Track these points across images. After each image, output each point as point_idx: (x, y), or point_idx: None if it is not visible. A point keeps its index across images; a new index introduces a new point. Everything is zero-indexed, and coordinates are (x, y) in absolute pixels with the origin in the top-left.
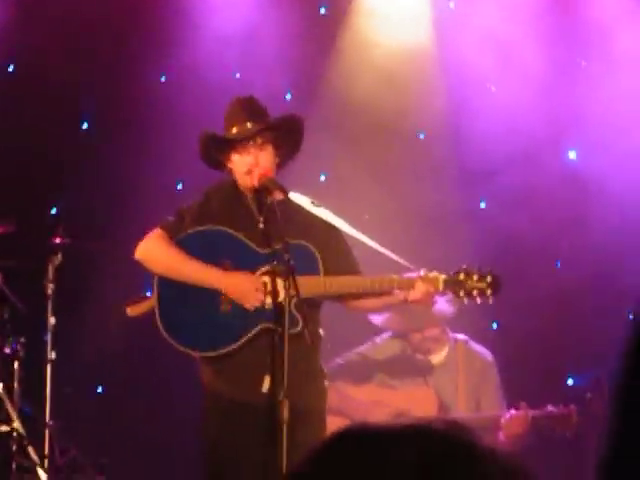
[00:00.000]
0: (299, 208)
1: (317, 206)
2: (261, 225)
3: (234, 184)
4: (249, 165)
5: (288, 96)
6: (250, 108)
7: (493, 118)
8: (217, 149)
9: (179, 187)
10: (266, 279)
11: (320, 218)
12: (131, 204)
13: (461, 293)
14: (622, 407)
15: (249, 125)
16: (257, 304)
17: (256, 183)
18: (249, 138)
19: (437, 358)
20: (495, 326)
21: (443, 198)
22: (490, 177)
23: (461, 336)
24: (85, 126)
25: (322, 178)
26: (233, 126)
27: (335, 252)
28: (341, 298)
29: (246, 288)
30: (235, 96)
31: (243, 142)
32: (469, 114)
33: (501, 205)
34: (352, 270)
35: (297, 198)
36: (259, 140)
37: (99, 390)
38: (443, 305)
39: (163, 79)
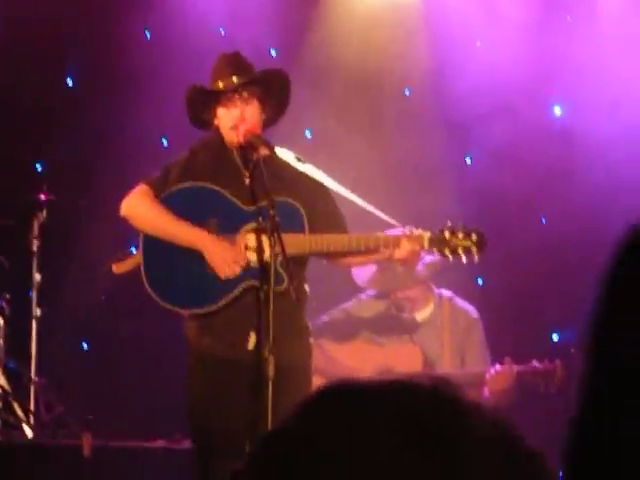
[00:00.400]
0: (286, 165)
1: (302, 162)
2: (247, 181)
3: (220, 140)
4: (235, 119)
5: (273, 52)
6: (236, 63)
7: (478, 73)
8: (204, 104)
9: (164, 143)
10: (251, 236)
11: (307, 175)
12: (116, 160)
13: (446, 251)
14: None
15: (235, 79)
16: (231, 276)
17: (241, 139)
18: (235, 90)
19: (422, 315)
20: (480, 282)
21: (429, 154)
22: (475, 132)
23: (446, 292)
24: (69, 82)
25: (307, 134)
26: (219, 80)
27: (321, 209)
28: (327, 255)
29: (224, 258)
30: (221, 52)
31: (229, 95)
32: (454, 69)
33: (486, 160)
34: (338, 228)
35: (283, 154)
36: (245, 94)
37: (85, 346)
38: (427, 261)
39: (148, 35)
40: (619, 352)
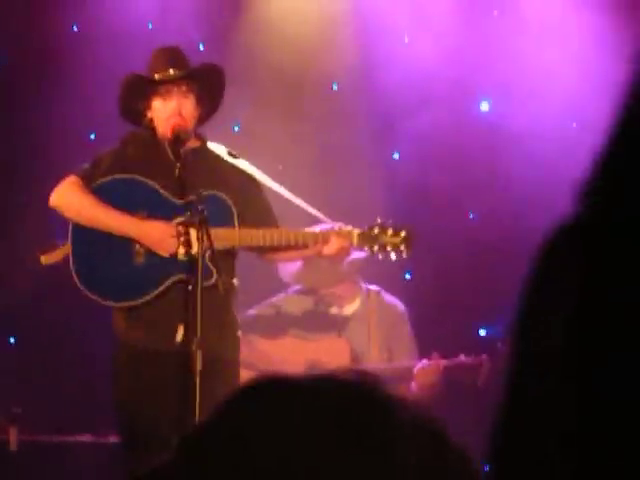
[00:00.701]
0: (216, 158)
1: (235, 157)
2: (177, 175)
3: (152, 132)
4: (172, 111)
5: (201, 47)
6: (174, 56)
7: (405, 68)
8: (139, 94)
9: (92, 138)
10: (180, 230)
11: (238, 169)
12: (43, 153)
13: (375, 248)
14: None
15: (172, 71)
16: (172, 251)
17: (169, 132)
18: (174, 82)
19: (349, 309)
20: (408, 276)
21: (357, 149)
22: (402, 128)
23: (373, 287)
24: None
25: (236, 129)
26: (155, 72)
27: (252, 204)
28: (256, 249)
29: (160, 235)
30: (159, 45)
31: (167, 86)
32: (382, 64)
33: (414, 156)
34: (269, 222)
35: (215, 148)
36: (183, 87)
37: (11, 340)
38: (353, 256)
39: (75, 28)
40: (539, 339)
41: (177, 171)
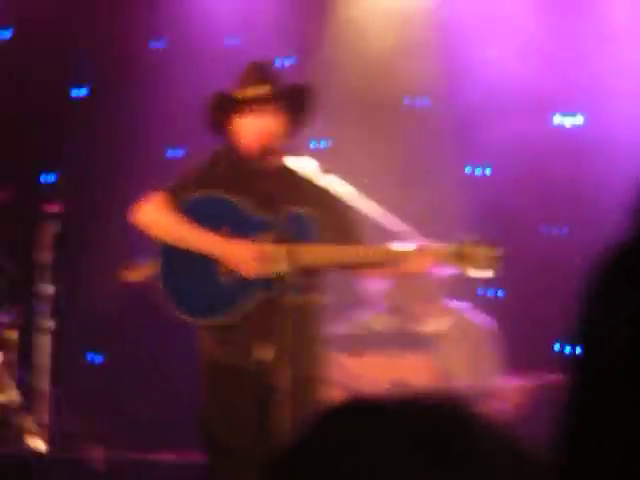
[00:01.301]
0: (303, 175)
1: (325, 173)
2: (262, 191)
3: (237, 148)
4: (257, 129)
5: (285, 62)
6: (263, 72)
7: (485, 82)
8: (224, 110)
9: (174, 154)
10: (266, 247)
11: (321, 185)
12: (125, 171)
13: (462, 265)
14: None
15: (260, 89)
16: (253, 273)
17: (258, 149)
18: (263, 101)
19: (435, 328)
20: (495, 294)
21: (437, 162)
22: (480, 141)
23: (460, 304)
24: (81, 92)
25: (313, 145)
26: (243, 88)
27: (337, 221)
28: (340, 266)
29: (243, 256)
30: (250, 60)
31: (251, 105)
32: (465, 75)
33: (495, 170)
34: (354, 239)
35: (304, 163)
36: (271, 106)
37: (96, 359)
38: (442, 273)
39: (158, 44)
40: (603, 347)
41: (262, 188)
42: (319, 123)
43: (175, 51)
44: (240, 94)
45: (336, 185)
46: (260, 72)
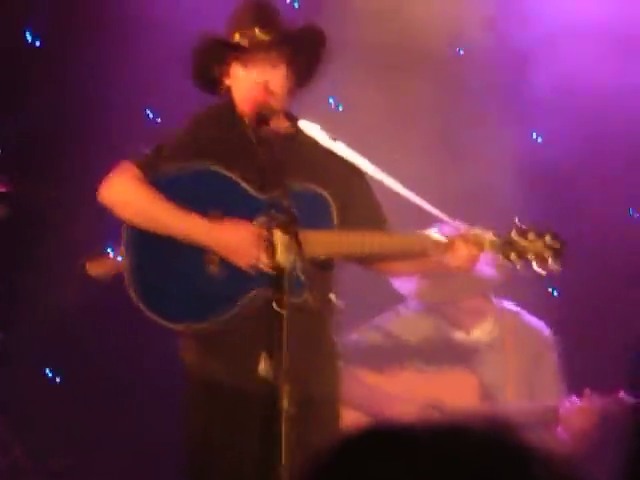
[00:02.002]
0: (311, 143)
1: (335, 141)
2: (260, 163)
3: (231, 108)
4: (254, 83)
5: (296, 4)
6: (262, 13)
7: (548, 24)
8: (215, 59)
9: (150, 116)
10: (264, 234)
11: (338, 157)
12: (90, 137)
13: (513, 256)
14: None
15: (258, 33)
16: (252, 262)
17: (249, 109)
18: (263, 49)
19: (480, 334)
20: (554, 293)
21: (486, 131)
22: (548, 103)
23: (510, 306)
24: (30, 38)
25: (331, 103)
26: (239, 32)
27: (356, 201)
28: (360, 259)
29: (240, 242)
30: None
31: (253, 52)
32: (519, 19)
33: (557, 138)
34: (376, 224)
35: (309, 129)
36: (273, 54)
37: (50, 374)
38: (487, 267)
39: None
40: None
41: (261, 158)
42: (330, 79)
43: None
44: (237, 39)
45: (350, 156)
46: (258, 12)
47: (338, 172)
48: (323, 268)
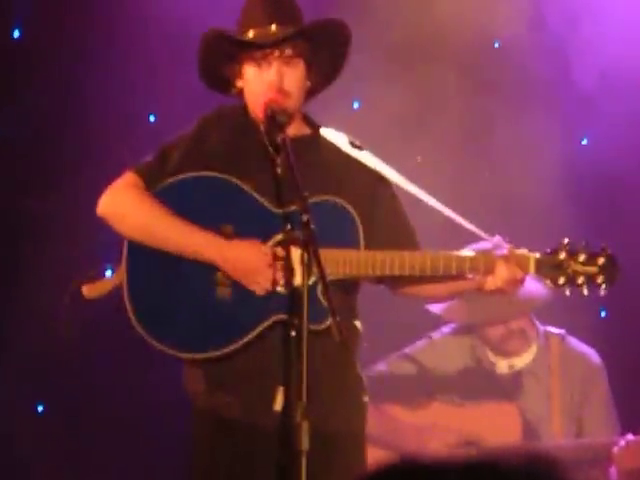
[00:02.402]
0: (333, 150)
1: (359, 148)
2: (279, 171)
3: (244, 113)
4: (269, 83)
5: None
6: (276, 5)
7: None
8: (224, 58)
9: (152, 120)
10: (280, 253)
11: (364, 166)
12: (84, 143)
13: (561, 280)
14: None
15: (274, 28)
16: (266, 286)
17: (260, 112)
18: (275, 45)
19: (522, 361)
20: (604, 315)
21: (524, 132)
22: (597, 103)
23: (556, 330)
24: (17, 34)
25: (355, 106)
26: (250, 27)
27: (383, 215)
28: (389, 280)
29: (253, 264)
30: None
31: (265, 50)
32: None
33: (606, 142)
34: (407, 241)
35: (332, 136)
36: (288, 50)
37: (40, 409)
38: (531, 286)
39: None
40: None
41: (277, 168)
42: (352, 77)
43: None
44: (248, 35)
45: (376, 165)
46: (272, 4)
47: (363, 183)
48: (347, 291)
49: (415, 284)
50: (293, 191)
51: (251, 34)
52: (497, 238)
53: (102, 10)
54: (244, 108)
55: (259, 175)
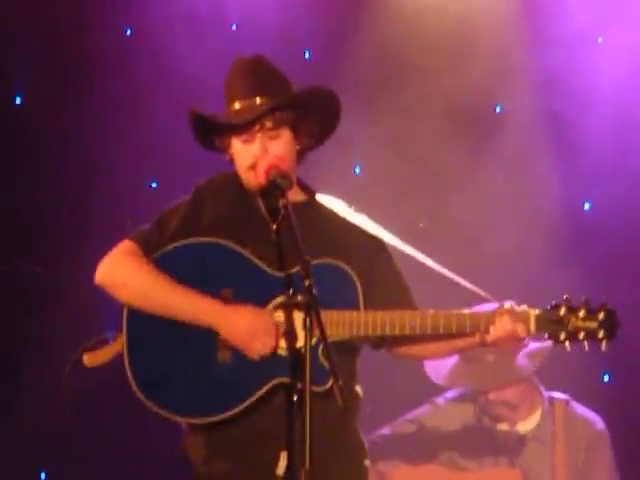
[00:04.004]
0: (330, 215)
1: (356, 213)
2: (274, 238)
3: (237, 178)
4: (254, 157)
5: (307, 55)
6: (258, 74)
7: (600, 82)
8: (213, 132)
9: (153, 186)
10: (281, 315)
11: (360, 230)
12: (85, 210)
13: (562, 335)
14: None
15: (258, 101)
16: (265, 352)
17: (262, 179)
18: (254, 122)
19: (525, 426)
20: (607, 379)
21: (528, 197)
22: (598, 169)
23: (559, 395)
24: (18, 100)
25: (357, 171)
26: (235, 101)
27: (381, 276)
28: (388, 341)
29: (252, 330)
30: (238, 57)
31: (244, 127)
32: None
33: (609, 206)
34: (404, 301)
35: (327, 201)
36: (268, 123)
37: (42, 477)
38: (521, 357)
39: (129, 32)
40: None
41: (274, 233)
42: (351, 142)
43: (151, 38)
44: (232, 108)
45: (372, 229)
46: (256, 73)
47: (360, 246)
48: (346, 355)
49: (415, 343)
50: (293, 255)
51: (237, 105)
52: (504, 303)
53: (104, 75)
54: (237, 175)
55: (256, 240)
